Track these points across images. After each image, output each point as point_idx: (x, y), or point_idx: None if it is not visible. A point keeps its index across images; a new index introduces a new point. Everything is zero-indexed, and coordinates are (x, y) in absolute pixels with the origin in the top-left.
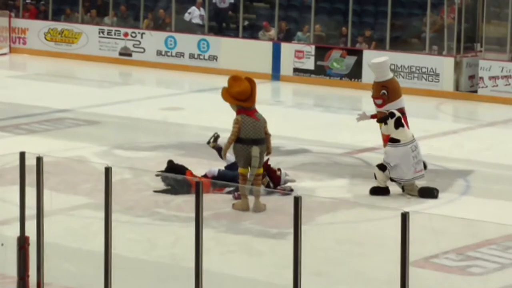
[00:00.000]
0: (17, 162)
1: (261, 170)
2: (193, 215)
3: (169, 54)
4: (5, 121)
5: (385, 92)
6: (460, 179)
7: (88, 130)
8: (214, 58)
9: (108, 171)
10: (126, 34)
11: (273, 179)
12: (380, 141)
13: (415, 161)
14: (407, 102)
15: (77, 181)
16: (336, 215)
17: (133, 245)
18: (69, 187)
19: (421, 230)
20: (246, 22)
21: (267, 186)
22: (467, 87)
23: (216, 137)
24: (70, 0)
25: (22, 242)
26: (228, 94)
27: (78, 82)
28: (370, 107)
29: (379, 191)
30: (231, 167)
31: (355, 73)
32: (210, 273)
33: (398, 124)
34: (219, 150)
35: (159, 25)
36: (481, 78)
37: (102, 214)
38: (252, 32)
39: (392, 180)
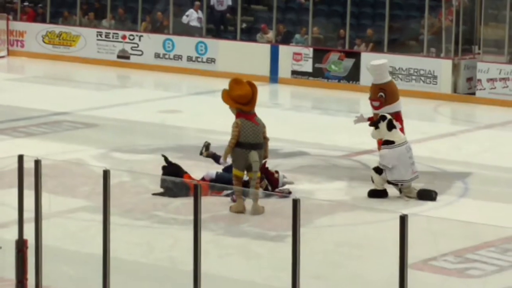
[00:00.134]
0: (16, 165)
1: (258, 174)
2: (191, 218)
3: (167, 56)
4: (3, 123)
5: (383, 94)
6: (458, 181)
7: (86, 133)
8: (212, 60)
9: (106, 174)
10: (124, 37)
11: (271, 182)
12: None
13: (411, 162)
14: (405, 104)
15: (75, 184)
16: (335, 218)
17: (132, 248)
18: (67, 190)
19: (420, 233)
20: (244, 25)
21: (265, 188)
22: (465, 90)
23: (207, 146)
24: (68, 3)
25: (21, 245)
26: (229, 97)
27: (76, 85)
28: (368, 110)
29: (377, 193)
30: (229, 169)
31: (353, 75)
32: (208, 276)
33: (391, 126)
34: (214, 157)
35: (157, 28)
36: (479, 80)
37: (100, 217)
38: (250, 34)
39: (389, 183)
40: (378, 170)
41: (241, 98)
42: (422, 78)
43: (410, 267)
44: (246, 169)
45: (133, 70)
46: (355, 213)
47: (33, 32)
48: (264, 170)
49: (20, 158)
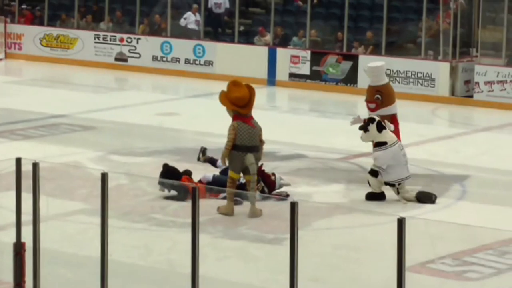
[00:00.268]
0: (13, 168)
1: (255, 177)
2: (189, 220)
3: (164, 59)
4: (0, 126)
5: (379, 96)
6: (456, 184)
7: (83, 135)
8: (209, 63)
9: (104, 176)
10: (121, 40)
11: (267, 184)
12: None
13: (405, 159)
14: (402, 107)
15: (73, 186)
16: (332, 221)
17: (130, 251)
18: (65, 193)
19: (417, 235)
20: (242, 28)
21: (262, 191)
22: (463, 92)
23: (203, 151)
24: (66, 6)
25: (19, 248)
26: (226, 98)
27: (73, 88)
28: (365, 112)
29: (375, 196)
30: (226, 172)
31: (350, 78)
32: (206, 278)
33: (380, 127)
34: (211, 161)
35: (154, 31)
36: (477, 83)
37: (98, 220)
38: (247, 37)
39: (386, 184)
40: (374, 173)
41: (239, 101)
42: (420, 80)
43: (408, 270)
44: (242, 171)
45: (131, 73)
46: (353, 216)
47: (31, 35)
48: (261, 173)
49: (18, 161)
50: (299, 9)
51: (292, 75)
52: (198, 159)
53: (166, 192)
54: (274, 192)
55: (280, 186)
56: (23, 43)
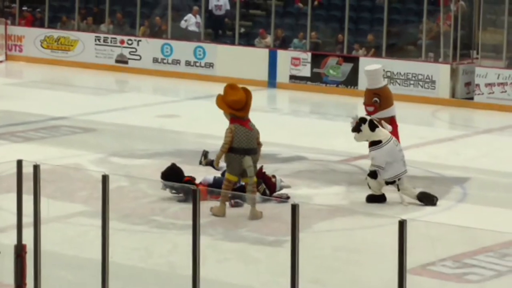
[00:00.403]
0: (14, 170)
1: (255, 179)
2: (189, 222)
3: (165, 61)
4: (1, 128)
5: (377, 99)
6: (456, 186)
7: (84, 137)
8: (210, 65)
9: (105, 179)
10: (122, 42)
11: (268, 186)
12: None
13: (402, 154)
14: (403, 109)
15: (74, 188)
16: (333, 223)
17: (130, 253)
18: (66, 195)
19: (418, 238)
20: (242, 29)
21: (263, 193)
22: (463, 94)
23: (205, 154)
24: (66, 8)
25: (19, 250)
26: (223, 102)
27: (74, 90)
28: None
29: (375, 198)
30: None
31: (351, 80)
32: (206, 280)
33: (373, 126)
34: (213, 164)
35: (155, 33)
36: (477, 85)
37: (98, 222)
38: (248, 39)
39: (387, 183)
40: (373, 175)
41: (235, 104)
42: (420, 83)
43: (409, 272)
44: (240, 174)
45: (131, 75)
46: (354, 218)
47: (32, 37)
48: (261, 175)
49: (19, 163)
50: (300, 11)
51: (292, 77)
52: (200, 163)
53: (167, 192)
54: (274, 194)
55: (281, 188)
56: (24, 45)
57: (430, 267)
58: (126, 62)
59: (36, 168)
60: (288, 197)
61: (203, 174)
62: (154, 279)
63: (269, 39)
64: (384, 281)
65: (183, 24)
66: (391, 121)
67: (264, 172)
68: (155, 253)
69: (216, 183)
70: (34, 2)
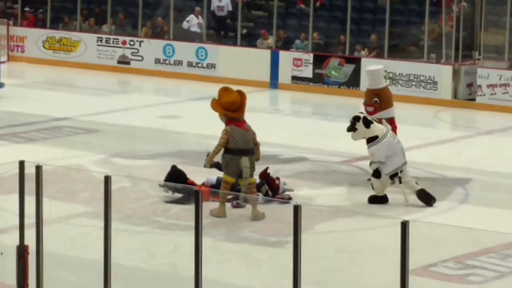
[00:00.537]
0: (16, 171)
1: (253, 180)
2: (191, 223)
3: (167, 62)
4: (3, 129)
5: (377, 100)
6: (458, 187)
7: (86, 138)
8: (212, 66)
9: (107, 179)
10: (124, 42)
11: (272, 188)
12: None
13: (400, 146)
14: (405, 110)
15: (76, 189)
16: (335, 224)
17: (132, 254)
18: (68, 196)
19: (420, 239)
20: (245, 30)
21: (266, 194)
22: (465, 95)
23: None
24: (68, 9)
25: (21, 251)
26: (218, 105)
27: (76, 90)
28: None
29: (377, 199)
30: None
31: (353, 81)
32: (208, 281)
33: (368, 122)
34: (217, 166)
35: (157, 33)
36: (479, 86)
37: (100, 223)
38: (250, 40)
39: (391, 177)
40: (377, 174)
41: (230, 105)
42: (422, 84)
43: (411, 273)
44: (238, 175)
45: (133, 76)
46: (356, 219)
47: (34, 38)
48: (266, 176)
49: (22, 164)
50: (302, 12)
51: (294, 78)
52: (205, 166)
53: (170, 194)
54: (276, 195)
55: (284, 191)
56: (26, 46)
57: (432, 268)
58: (128, 63)
59: (38, 168)
60: (290, 198)
61: (205, 175)
62: (156, 280)
63: (271, 40)
64: (386, 282)
65: (185, 25)
66: (391, 122)
67: (269, 174)
68: (157, 254)
69: (219, 184)
70: (36, 3)
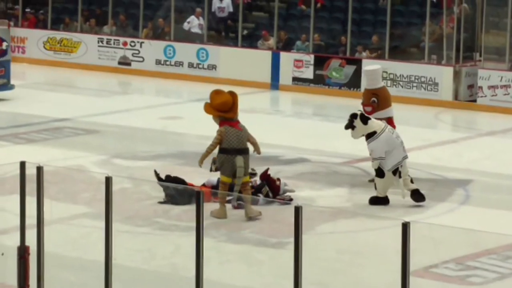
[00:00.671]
0: (17, 172)
1: (247, 178)
2: (192, 224)
3: (168, 63)
4: (4, 130)
5: (375, 100)
6: (459, 189)
7: (87, 139)
8: (213, 67)
9: (108, 180)
10: (125, 43)
11: (272, 189)
12: None
13: (400, 141)
14: (406, 111)
15: (77, 190)
16: (336, 225)
17: (133, 255)
18: (69, 197)
19: (421, 240)
20: (245, 31)
21: (266, 195)
22: (466, 97)
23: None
24: (69, 9)
25: (22, 251)
26: (210, 107)
27: (77, 91)
28: None
29: (378, 201)
30: None
31: (354, 82)
32: (209, 282)
33: (365, 119)
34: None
35: (158, 34)
36: (480, 87)
37: (101, 224)
38: (251, 41)
39: (394, 173)
40: (380, 174)
41: (222, 106)
42: (423, 85)
43: (411, 274)
44: (233, 175)
45: (134, 77)
46: (357, 220)
47: (35, 39)
48: (266, 177)
49: (22, 164)
50: (303, 13)
51: (295, 79)
52: (211, 170)
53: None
54: (277, 196)
55: (284, 192)
56: (27, 47)
57: (433, 269)
58: (129, 64)
59: (39, 169)
60: (291, 199)
61: (205, 176)
62: (157, 280)
63: (272, 41)
64: (387, 283)
65: (186, 26)
66: (389, 122)
67: (269, 175)
68: (158, 254)
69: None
70: (37, 4)
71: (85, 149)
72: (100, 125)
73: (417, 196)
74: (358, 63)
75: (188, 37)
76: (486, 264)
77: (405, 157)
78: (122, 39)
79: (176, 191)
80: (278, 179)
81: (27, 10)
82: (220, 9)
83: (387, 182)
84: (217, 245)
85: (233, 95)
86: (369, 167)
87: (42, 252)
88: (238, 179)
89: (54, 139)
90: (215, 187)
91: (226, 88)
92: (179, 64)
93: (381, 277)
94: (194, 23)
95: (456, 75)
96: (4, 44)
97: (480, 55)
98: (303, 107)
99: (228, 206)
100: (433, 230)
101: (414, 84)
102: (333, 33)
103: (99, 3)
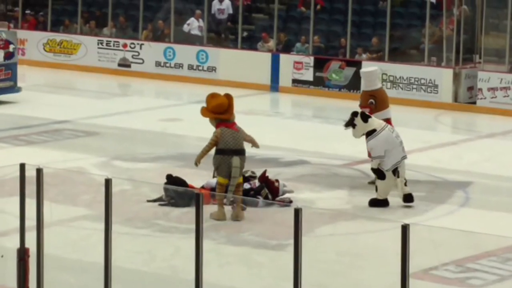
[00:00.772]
0: (17, 174)
1: (240, 180)
2: (192, 226)
3: (168, 65)
4: (3, 132)
5: (373, 101)
6: (459, 191)
7: (87, 141)
8: (213, 69)
9: (108, 182)
10: (125, 45)
11: (271, 190)
12: None
13: (399, 140)
14: (405, 113)
15: (76, 192)
16: (336, 227)
17: (133, 257)
18: (68, 199)
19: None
20: (245, 33)
21: (266, 197)
22: (466, 99)
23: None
24: (69, 11)
25: (22, 253)
26: (206, 110)
27: (77, 93)
28: None
29: (378, 203)
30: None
31: (353, 84)
32: (209, 284)
33: (366, 117)
34: None
35: (158, 36)
36: (480, 89)
37: (101, 226)
38: (251, 43)
39: (393, 174)
40: (381, 175)
41: (218, 108)
42: (423, 87)
43: (411, 276)
44: (229, 176)
45: (134, 79)
46: (356, 222)
47: (34, 40)
48: (265, 179)
49: (22, 166)
50: (302, 15)
51: (295, 81)
52: (214, 176)
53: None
54: (277, 198)
55: (283, 193)
56: (26, 49)
57: (433, 272)
58: (128, 66)
59: (39, 171)
60: (290, 201)
61: (205, 178)
62: (157, 283)
63: (271, 43)
64: (387, 285)
65: (185, 28)
66: (387, 123)
67: (267, 177)
68: (157, 257)
69: None
70: (37, 6)
71: (85, 151)
72: (100, 127)
73: (408, 199)
74: (358, 65)
75: (188, 39)
76: (486, 266)
77: (404, 157)
78: (122, 41)
79: (176, 193)
80: (277, 180)
81: (27, 12)
82: (220, 11)
83: (389, 185)
84: (217, 247)
85: (228, 97)
86: (369, 169)
87: (42, 254)
88: (233, 179)
89: (54, 141)
90: (214, 189)
91: (225, 90)
92: (179, 66)
93: (380, 279)
94: (194, 25)
95: (456, 77)
96: (11, 47)
97: (480, 57)
98: (303, 109)
99: (227, 208)
100: (433, 232)
101: (414, 86)
102: (333, 35)
103: (99, 5)
